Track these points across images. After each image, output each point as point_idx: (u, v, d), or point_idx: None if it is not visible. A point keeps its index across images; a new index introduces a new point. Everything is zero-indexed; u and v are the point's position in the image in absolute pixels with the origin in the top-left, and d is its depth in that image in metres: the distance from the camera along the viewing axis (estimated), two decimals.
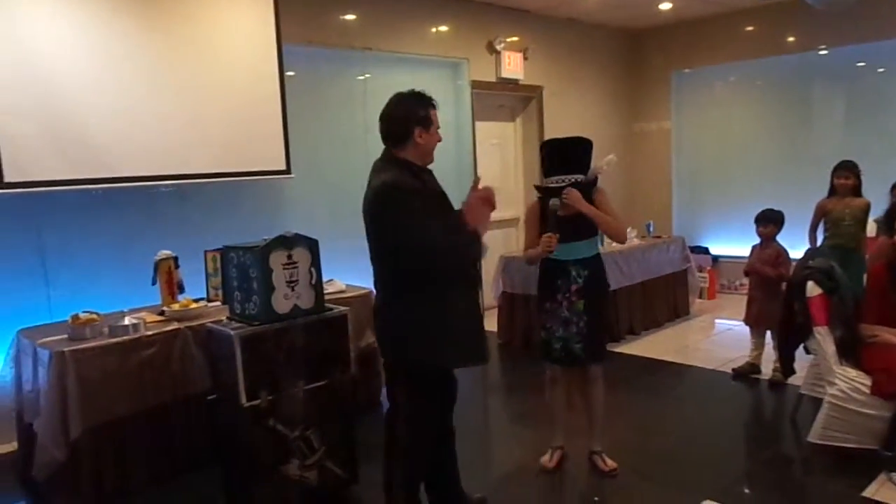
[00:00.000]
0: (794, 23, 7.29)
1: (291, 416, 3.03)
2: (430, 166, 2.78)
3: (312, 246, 3.11)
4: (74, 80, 4.13)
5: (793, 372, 4.16)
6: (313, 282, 3.11)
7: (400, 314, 2.66)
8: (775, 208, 4.87)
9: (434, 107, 2.70)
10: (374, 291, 2.85)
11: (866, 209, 4.87)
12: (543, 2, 6.97)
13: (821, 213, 5.01)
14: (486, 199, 2.67)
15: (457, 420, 4.23)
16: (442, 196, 2.72)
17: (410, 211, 2.49)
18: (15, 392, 3.58)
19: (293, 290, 3.05)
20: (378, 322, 2.82)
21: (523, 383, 5.08)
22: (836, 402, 3.40)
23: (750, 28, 7.67)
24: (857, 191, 4.88)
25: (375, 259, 2.72)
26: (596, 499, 3.30)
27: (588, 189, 3.36)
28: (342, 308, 3.27)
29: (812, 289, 3.58)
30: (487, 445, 4.24)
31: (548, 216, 3.28)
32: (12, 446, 3.84)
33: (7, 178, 3.89)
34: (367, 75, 6.09)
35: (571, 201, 3.27)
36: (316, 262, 3.12)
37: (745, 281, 7.57)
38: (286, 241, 3.02)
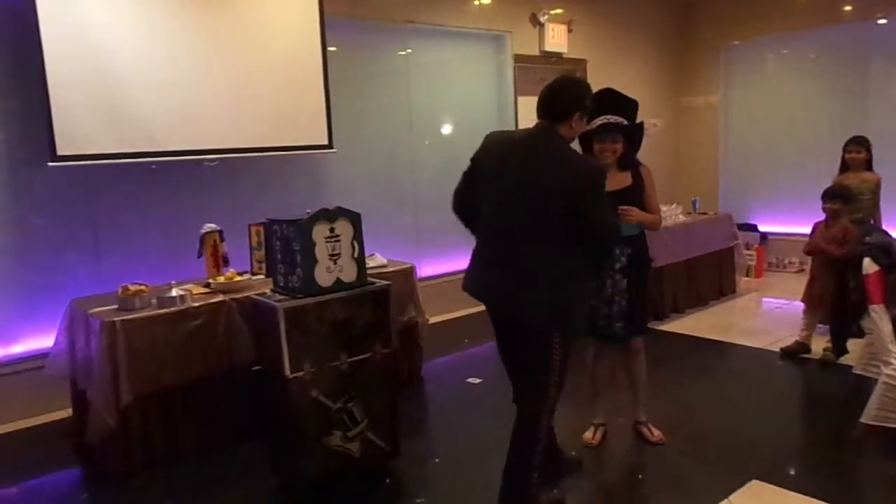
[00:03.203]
0: None
1: (334, 389, 3.06)
2: None
3: (354, 219, 3.11)
4: (124, 55, 4.21)
5: (845, 352, 4.04)
6: (355, 255, 3.12)
7: (564, 288, 2.65)
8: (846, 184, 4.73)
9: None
10: (501, 266, 2.71)
11: (879, 183, 4.95)
12: None
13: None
14: None
15: (495, 397, 4.25)
16: None
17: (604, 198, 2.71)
18: (69, 360, 3.69)
19: (335, 263, 3.06)
20: (533, 296, 2.62)
21: None
22: (891, 382, 3.29)
23: None
24: (868, 165, 4.96)
25: (542, 232, 2.61)
26: (640, 476, 3.27)
27: (635, 136, 3.33)
28: (384, 282, 3.27)
29: (868, 265, 3.45)
30: None
31: None
32: (67, 412, 3.97)
33: (60, 152, 4.00)
34: (409, 50, 6.05)
35: (632, 217, 3.25)
36: (358, 236, 3.12)
37: (794, 259, 7.46)
38: (329, 215, 3.03)
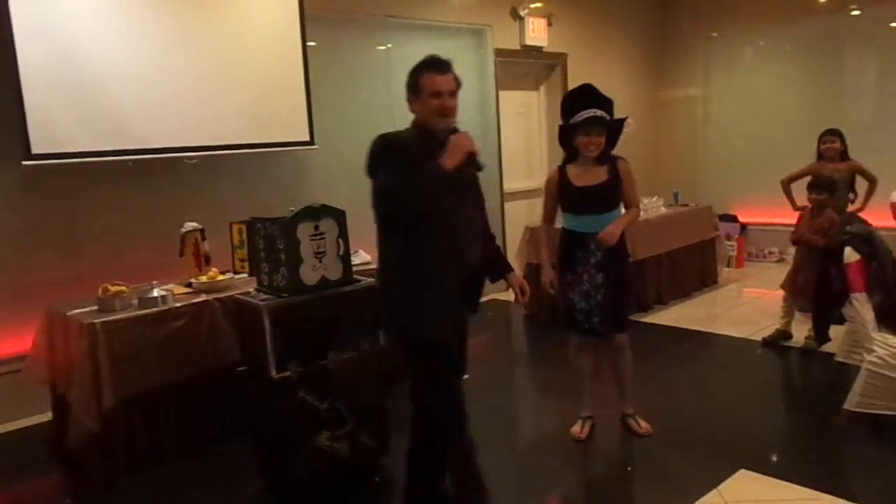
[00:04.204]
0: None
1: (321, 388, 3.03)
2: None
3: (339, 217, 3.08)
4: (101, 51, 4.13)
5: (827, 339, 4.08)
6: (341, 253, 3.09)
7: (386, 279, 2.61)
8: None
9: (430, 71, 2.56)
10: None
11: (856, 169, 5.09)
12: None
13: (809, 172, 5.01)
14: (467, 142, 2.51)
15: (483, 393, 4.24)
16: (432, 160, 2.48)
17: (386, 162, 2.51)
18: (48, 363, 3.61)
19: (321, 261, 3.03)
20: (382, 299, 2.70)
21: (548, 354, 5.04)
22: (874, 369, 3.33)
23: None
24: (843, 155, 5.08)
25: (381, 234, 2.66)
26: (629, 468, 3.28)
27: (614, 132, 3.33)
28: (370, 279, 3.23)
29: (850, 254, 3.49)
30: (514, 417, 4.23)
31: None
32: (46, 416, 3.89)
33: (35, 150, 3.91)
34: (389, 45, 5.99)
35: (609, 240, 3.24)
36: (343, 233, 3.09)
37: (774, 249, 7.53)
38: (313, 213, 3.00)
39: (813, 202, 4.60)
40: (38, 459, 3.64)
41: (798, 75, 7.59)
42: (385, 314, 2.68)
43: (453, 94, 2.59)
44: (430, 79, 2.56)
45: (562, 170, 3.43)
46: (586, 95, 3.35)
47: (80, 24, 4.04)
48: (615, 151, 3.42)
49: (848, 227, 3.65)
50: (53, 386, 3.66)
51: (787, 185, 5.28)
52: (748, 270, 7.31)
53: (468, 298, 2.69)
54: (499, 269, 2.88)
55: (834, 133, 5.12)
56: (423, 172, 2.42)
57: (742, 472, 3.05)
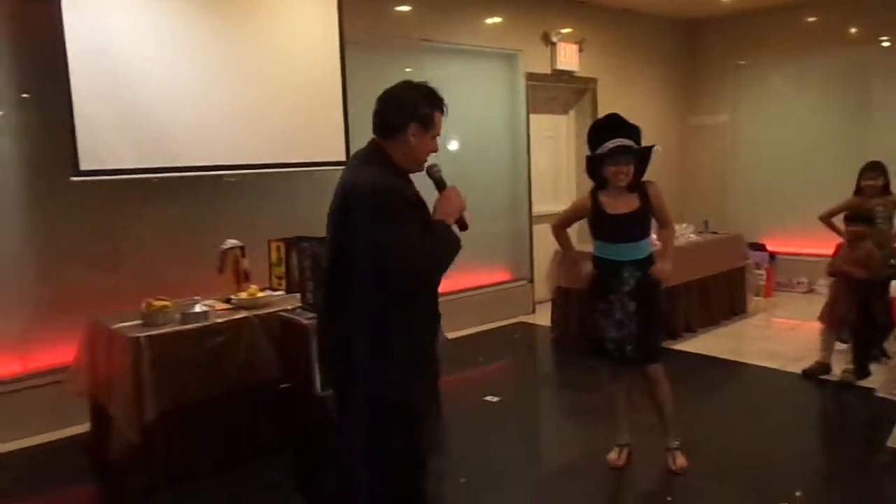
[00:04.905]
0: (856, 13, 7.10)
1: None
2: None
3: None
4: (148, 71, 4.23)
5: (867, 374, 4.03)
6: None
7: (371, 340, 2.16)
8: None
9: (441, 111, 2.29)
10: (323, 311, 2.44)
11: (894, 205, 4.89)
12: None
13: (847, 208, 4.85)
14: (460, 201, 2.29)
15: (514, 415, 4.23)
16: (425, 207, 2.27)
17: (400, 215, 2.12)
18: (89, 375, 3.65)
19: None
20: (337, 349, 2.29)
21: (577, 379, 5.02)
22: None
23: (811, 19, 7.47)
24: (885, 190, 4.93)
25: (347, 272, 2.22)
26: (669, 499, 3.23)
27: (644, 161, 3.33)
28: None
29: (895, 288, 3.46)
30: (544, 443, 4.22)
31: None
32: (85, 427, 3.92)
33: (83, 166, 3.99)
34: (423, 68, 6.04)
35: (668, 278, 3.35)
36: None
37: (803, 279, 7.47)
38: None
39: (851, 234, 4.54)
40: (76, 469, 3.67)
41: (827, 105, 7.57)
42: (346, 368, 2.25)
43: None
44: (439, 119, 2.29)
45: (594, 196, 3.40)
46: (613, 125, 3.34)
47: (130, 48, 4.15)
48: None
49: (893, 261, 3.61)
50: (93, 397, 3.69)
51: (827, 220, 5.10)
52: (777, 300, 7.24)
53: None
54: None
55: (877, 168, 4.92)
56: (436, 230, 2.18)
57: None
